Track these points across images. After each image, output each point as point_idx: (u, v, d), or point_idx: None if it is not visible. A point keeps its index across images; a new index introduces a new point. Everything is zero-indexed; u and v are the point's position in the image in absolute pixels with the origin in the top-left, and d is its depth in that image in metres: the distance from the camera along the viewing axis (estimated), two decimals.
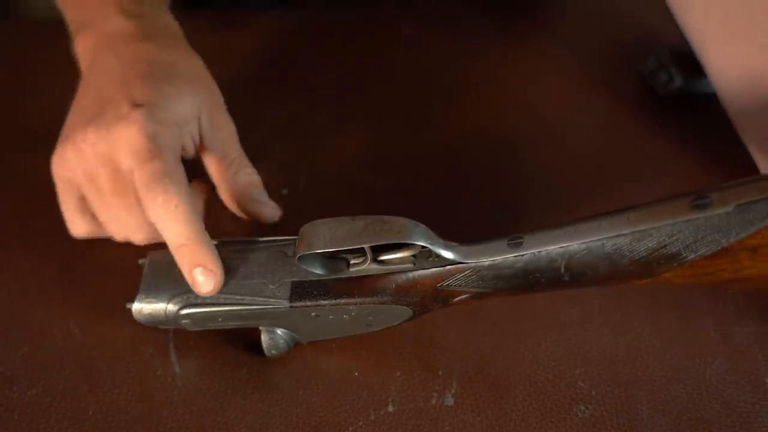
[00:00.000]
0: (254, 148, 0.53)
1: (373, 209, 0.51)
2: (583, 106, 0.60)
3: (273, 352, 0.41)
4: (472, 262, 0.37)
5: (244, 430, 0.39)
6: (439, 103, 0.60)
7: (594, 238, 0.35)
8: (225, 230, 0.49)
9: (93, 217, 0.45)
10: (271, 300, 0.39)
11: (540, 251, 0.36)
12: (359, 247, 0.38)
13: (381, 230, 0.38)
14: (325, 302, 0.39)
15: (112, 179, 0.42)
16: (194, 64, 0.48)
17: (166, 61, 0.46)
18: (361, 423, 0.39)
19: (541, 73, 0.63)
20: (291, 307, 0.39)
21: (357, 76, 0.62)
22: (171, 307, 0.40)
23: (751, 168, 0.49)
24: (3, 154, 0.54)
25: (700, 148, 0.55)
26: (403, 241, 0.37)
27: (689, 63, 0.55)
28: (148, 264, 0.42)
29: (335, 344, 0.43)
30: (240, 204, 0.47)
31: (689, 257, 0.34)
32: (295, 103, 0.59)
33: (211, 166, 0.48)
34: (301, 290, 0.39)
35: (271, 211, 0.48)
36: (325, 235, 0.38)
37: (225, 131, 0.48)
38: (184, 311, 0.40)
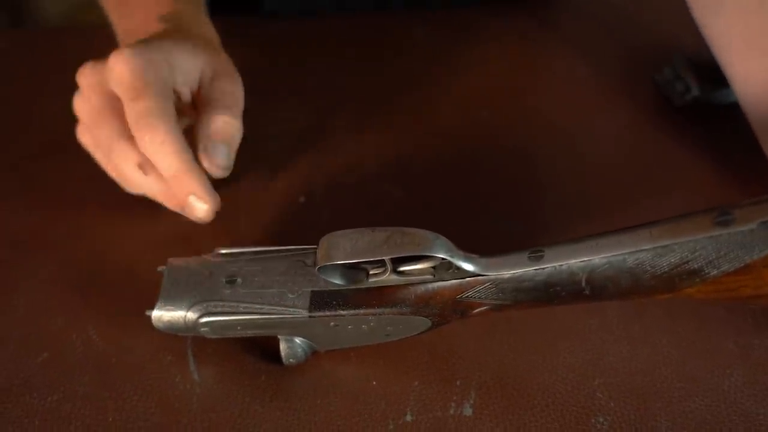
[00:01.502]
0: (271, 156, 0.54)
1: (389, 216, 0.51)
2: (598, 115, 0.60)
3: (291, 360, 0.41)
4: (493, 274, 0.37)
5: None
6: (453, 111, 0.60)
7: (616, 253, 0.35)
8: (244, 234, 0.49)
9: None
10: (291, 309, 0.39)
11: (561, 265, 0.36)
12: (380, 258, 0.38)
13: (402, 242, 0.38)
14: (345, 312, 0.39)
15: (102, 102, 0.46)
16: (215, 47, 0.51)
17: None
18: None
19: (556, 82, 0.63)
20: (310, 316, 0.39)
21: (371, 84, 0.63)
22: (190, 315, 0.40)
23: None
24: (20, 160, 0.55)
25: (715, 159, 0.55)
26: (424, 254, 0.37)
27: (706, 73, 0.55)
28: (167, 271, 0.42)
29: (353, 353, 0.43)
30: (198, 148, 0.47)
31: (712, 273, 0.34)
32: (312, 111, 0.59)
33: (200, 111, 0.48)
34: (321, 300, 0.40)
35: (216, 170, 0.47)
36: (345, 247, 0.38)
37: (228, 88, 0.48)
38: (204, 319, 0.40)
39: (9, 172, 0.54)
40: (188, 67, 0.47)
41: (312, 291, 0.40)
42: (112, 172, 0.48)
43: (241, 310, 0.40)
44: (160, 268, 0.42)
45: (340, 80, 0.63)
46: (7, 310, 0.45)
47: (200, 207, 0.44)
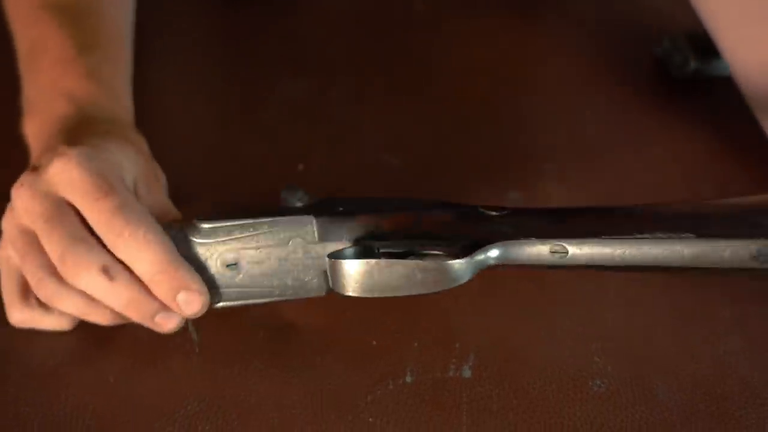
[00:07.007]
0: (270, 124, 0.54)
1: (388, 185, 0.51)
2: (597, 87, 0.60)
3: None
4: (512, 259, 0.37)
5: (261, 396, 0.40)
6: (452, 81, 0.60)
7: (643, 264, 0.36)
8: (245, 201, 0.49)
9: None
10: (310, 291, 0.39)
11: (582, 263, 0.37)
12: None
13: (423, 280, 0.37)
14: None
15: (52, 209, 0.38)
16: (144, 150, 0.45)
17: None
18: (379, 392, 0.40)
19: (556, 54, 0.63)
20: (328, 293, 0.39)
21: (370, 54, 0.62)
22: None
23: (765, 148, 0.50)
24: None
25: (713, 131, 0.55)
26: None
27: (704, 46, 0.55)
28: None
29: (353, 313, 0.43)
30: None
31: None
32: (310, 80, 0.59)
33: None
34: None
35: None
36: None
37: (162, 200, 0.44)
38: (219, 305, 0.39)
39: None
40: (131, 173, 0.41)
41: (326, 272, 0.39)
42: (42, 291, 0.38)
43: (257, 294, 0.39)
44: None
45: (338, 50, 0.63)
46: None
47: (194, 301, 0.37)
